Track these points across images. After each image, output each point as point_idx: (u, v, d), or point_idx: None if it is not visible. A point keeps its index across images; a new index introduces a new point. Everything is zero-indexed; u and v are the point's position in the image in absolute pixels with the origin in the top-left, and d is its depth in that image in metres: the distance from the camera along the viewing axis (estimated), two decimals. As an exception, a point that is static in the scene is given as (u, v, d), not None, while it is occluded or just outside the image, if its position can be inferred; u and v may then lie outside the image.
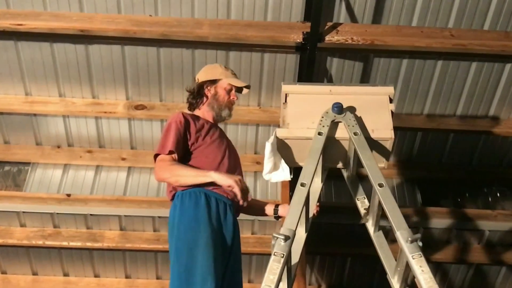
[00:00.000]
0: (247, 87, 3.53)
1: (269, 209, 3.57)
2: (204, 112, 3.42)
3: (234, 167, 3.31)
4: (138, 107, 4.91)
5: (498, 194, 5.50)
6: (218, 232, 3.04)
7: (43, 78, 4.77)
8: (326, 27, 4.25)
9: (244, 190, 2.99)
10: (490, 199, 5.49)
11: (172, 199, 3.20)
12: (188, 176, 3.06)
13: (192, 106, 3.46)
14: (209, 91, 3.42)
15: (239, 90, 3.52)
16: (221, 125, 3.53)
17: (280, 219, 3.58)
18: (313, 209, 3.24)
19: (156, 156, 3.15)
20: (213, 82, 3.42)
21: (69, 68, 4.69)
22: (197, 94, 3.43)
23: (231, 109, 3.43)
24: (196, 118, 3.32)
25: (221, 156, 3.25)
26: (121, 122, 5.10)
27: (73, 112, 4.94)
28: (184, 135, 3.18)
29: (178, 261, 2.94)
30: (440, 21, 4.35)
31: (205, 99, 3.42)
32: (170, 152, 3.10)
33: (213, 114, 3.40)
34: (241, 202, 3.00)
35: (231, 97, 3.43)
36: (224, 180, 2.98)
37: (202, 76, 3.48)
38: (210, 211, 3.06)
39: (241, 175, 3.38)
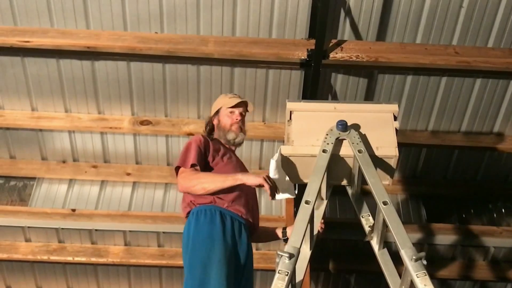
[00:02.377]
0: (244, 103, 3.54)
1: (278, 233, 3.61)
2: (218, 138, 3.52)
3: (248, 188, 3.31)
4: (143, 123, 4.94)
5: (503, 211, 5.49)
6: (232, 249, 3.05)
7: (49, 93, 4.80)
8: (331, 44, 4.28)
9: (273, 187, 3.03)
10: (495, 216, 5.47)
11: (187, 216, 3.22)
12: (216, 181, 3.10)
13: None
14: (215, 122, 3.54)
15: (244, 110, 3.57)
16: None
17: None
18: (317, 227, 3.24)
19: (177, 169, 3.21)
20: (217, 112, 3.54)
21: (75, 84, 4.72)
22: (210, 128, 3.56)
23: (237, 129, 3.47)
24: (214, 140, 3.43)
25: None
26: (126, 138, 5.13)
27: (79, 128, 4.97)
28: (204, 152, 3.26)
29: (191, 277, 2.95)
30: (444, 38, 4.37)
31: (215, 130, 3.53)
32: (193, 165, 3.16)
33: (224, 141, 3.48)
34: (270, 198, 3.06)
35: (234, 119, 3.48)
36: (253, 179, 3.04)
37: (211, 111, 3.63)
38: (225, 229, 3.08)
39: (255, 197, 3.44)
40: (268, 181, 3.01)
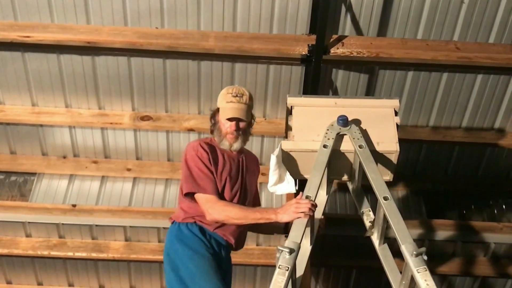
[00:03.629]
0: (237, 119, 3.21)
1: (279, 227, 3.50)
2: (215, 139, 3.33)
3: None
4: (144, 118, 4.93)
5: (504, 207, 5.48)
6: (212, 264, 3.06)
7: (50, 89, 4.79)
8: (332, 39, 4.27)
9: (310, 215, 2.85)
10: (495, 212, 5.46)
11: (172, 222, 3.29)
12: (248, 219, 3.05)
13: (211, 131, 3.37)
14: (217, 119, 3.28)
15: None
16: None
17: None
18: (318, 222, 3.24)
19: (187, 193, 3.17)
20: (218, 110, 3.28)
21: (76, 79, 4.72)
22: (213, 121, 3.32)
23: (231, 140, 3.24)
24: (213, 151, 3.23)
25: (230, 198, 3.22)
26: (126, 133, 5.12)
27: (79, 123, 4.96)
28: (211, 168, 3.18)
29: None
30: (445, 34, 4.36)
31: (214, 129, 3.30)
32: (212, 192, 3.11)
33: (220, 146, 3.28)
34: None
35: (227, 129, 3.24)
36: (286, 217, 2.89)
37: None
38: (206, 244, 3.11)
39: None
40: (304, 214, 2.81)
